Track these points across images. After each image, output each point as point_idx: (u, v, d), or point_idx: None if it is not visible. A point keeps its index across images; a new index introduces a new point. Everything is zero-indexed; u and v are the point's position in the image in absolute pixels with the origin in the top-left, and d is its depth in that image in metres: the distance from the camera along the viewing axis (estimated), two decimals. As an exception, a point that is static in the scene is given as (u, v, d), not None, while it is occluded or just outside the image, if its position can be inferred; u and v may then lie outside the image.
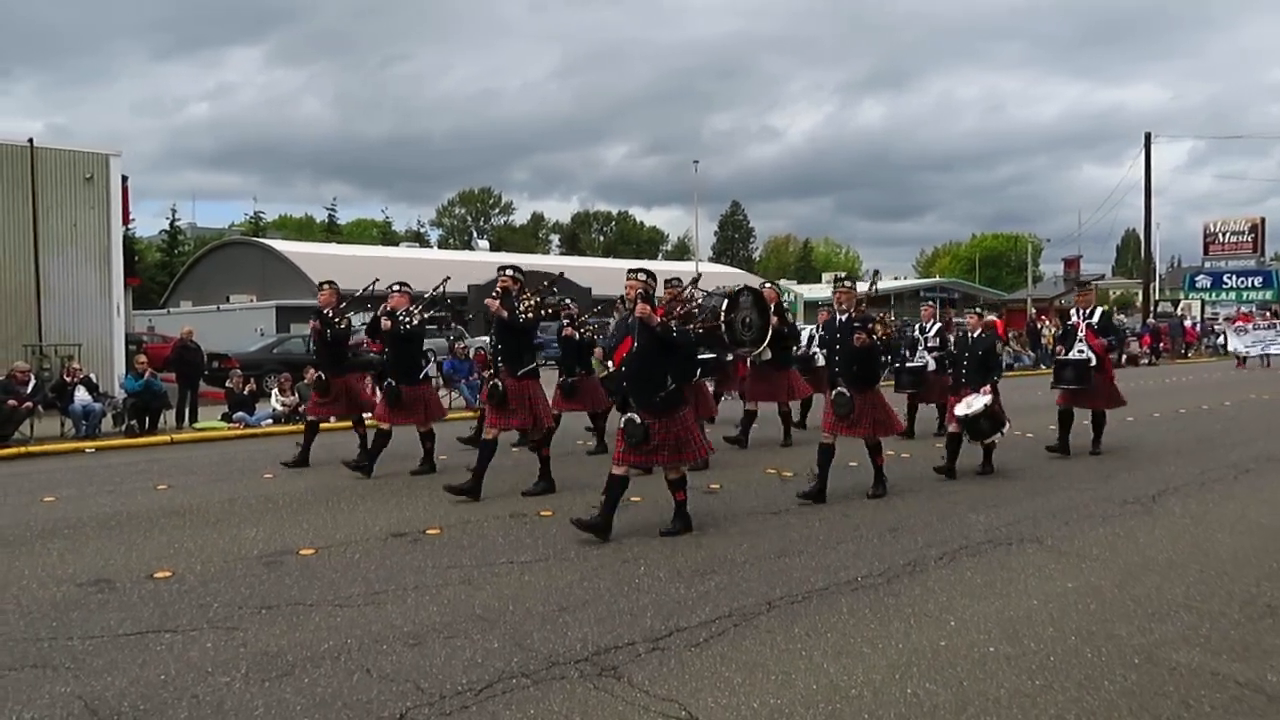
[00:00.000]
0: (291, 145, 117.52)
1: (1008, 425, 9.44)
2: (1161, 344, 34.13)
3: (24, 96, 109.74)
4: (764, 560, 6.30)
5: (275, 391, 15.58)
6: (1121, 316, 41.30)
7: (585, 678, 4.29)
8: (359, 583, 5.79)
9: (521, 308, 8.51)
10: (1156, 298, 49.63)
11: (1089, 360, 10.69)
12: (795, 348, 12.68)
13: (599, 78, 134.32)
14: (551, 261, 54.84)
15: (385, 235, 77.80)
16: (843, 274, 9.21)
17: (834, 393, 8.25)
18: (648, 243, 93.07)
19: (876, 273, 11.84)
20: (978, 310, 9.85)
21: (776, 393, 11.82)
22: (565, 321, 11.24)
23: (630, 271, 7.10)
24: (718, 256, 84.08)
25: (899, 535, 6.99)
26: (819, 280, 71.51)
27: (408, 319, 9.68)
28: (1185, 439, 12.46)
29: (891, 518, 7.59)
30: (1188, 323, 39.79)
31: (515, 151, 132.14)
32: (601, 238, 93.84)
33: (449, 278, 10.43)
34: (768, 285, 12.13)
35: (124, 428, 13.71)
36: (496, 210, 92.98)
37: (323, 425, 11.02)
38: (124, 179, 19.76)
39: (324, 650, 4.63)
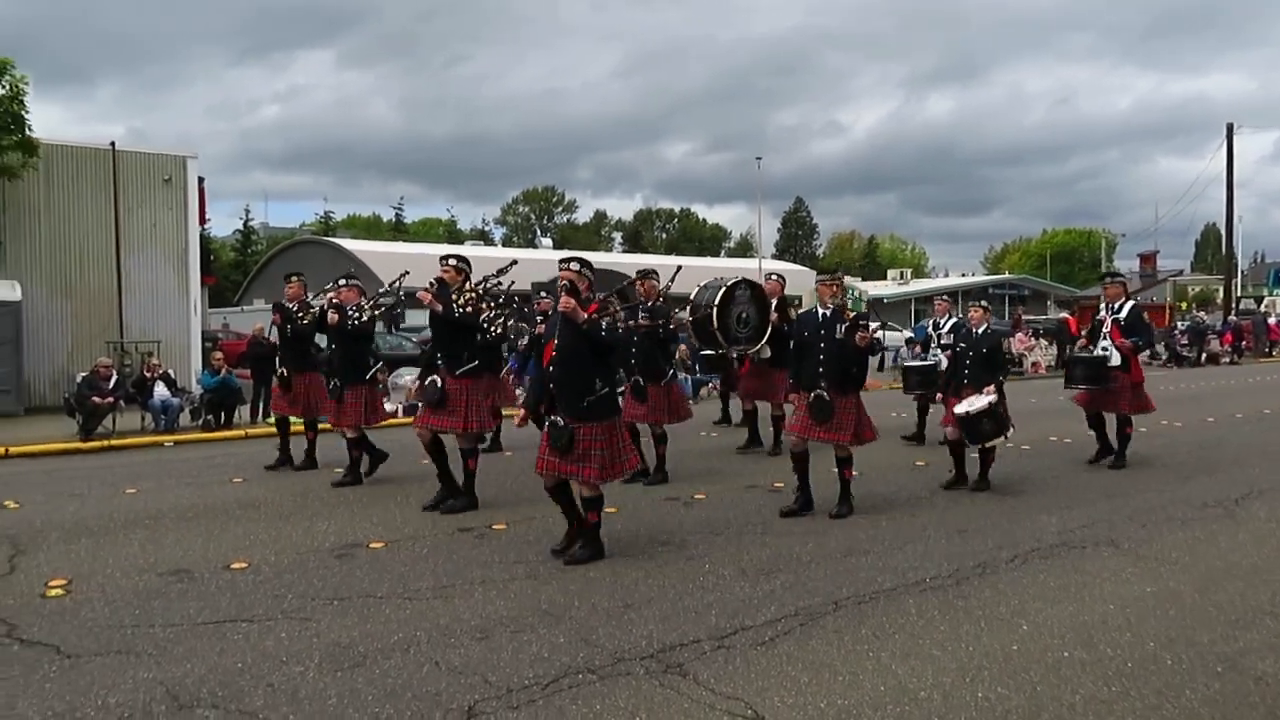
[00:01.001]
0: (359, 146, 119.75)
1: (1012, 430, 8.56)
2: (1244, 342, 32.95)
3: (106, 102, 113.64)
4: (830, 559, 6.24)
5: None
6: (1201, 314, 39.96)
7: (651, 674, 4.30)
8: (427, 576, 5.87)
9: (460, 301, 7.76)
10: (1239, 294, 47.90)
11: (1107, 358, 9.78)
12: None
13: (661, 75, 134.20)
14: (613, 259, 54.96)
15: (451, 234, 78.76)
16: (830, 270, 8.41)
17: (812, 395, 7.43)
18: (710, 240, 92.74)
19: (786, 280, 10.75)
20: (982, 303, 9.01)
21: (774, 393, 10.81)
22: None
23: (561, 261, 6.37)
24: (781, 253, 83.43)
25: (968, 536, 6.86)
26: (884, 277, 70.60)
27: (357, 315, 9.05)
28: (1271, 440, 12.03)
29: (960, 518, 7.46)
30: (1272, 320, 38.30)
31: (578, 150, 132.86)
32: (664, 235, 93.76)
33: (407, 272, 9.65)
34: (773, 277, 11.26)
35: (200, 422, 14.10)
36: (560, 208, 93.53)
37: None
38: (200, 180, 20.35)
39: (394, 642, 4.71)
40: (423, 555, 6.42)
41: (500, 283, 9.19)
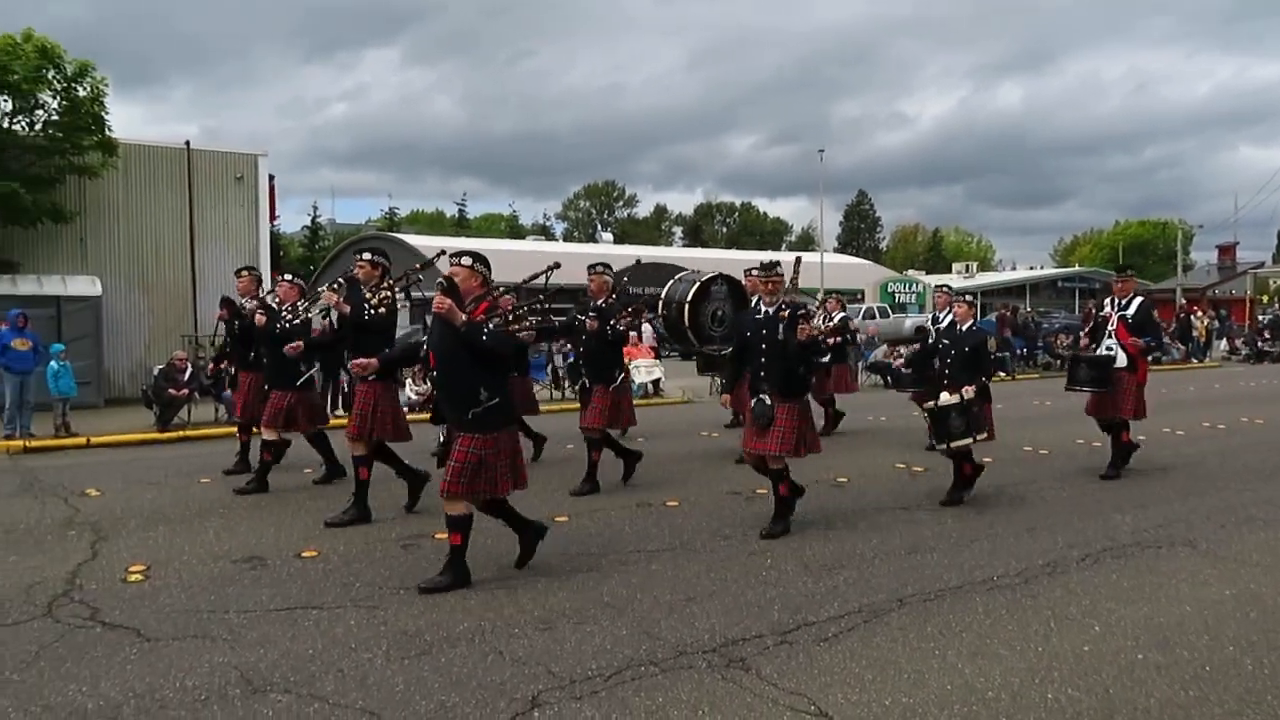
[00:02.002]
0: (423, 142, 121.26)
1: (984, 435, 7.61)
2: (1330, 337, 31.69)
3: (180, 102, 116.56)
4: (894, 556, 6.17)
5: (410, 380, 16.11)
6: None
7: (713, 668, 4.29)
8: (491, 567, 5.94)
9: (374, 300, 7.20)
10: (1323, 286, 46.12)
11: (1113, 357, 8.86)
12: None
13: (724, 68, 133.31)
14: (673, 254, 54.92)
15: (512, 229, 79.48)
16: (766, 261, 7.31)
17: (754, 400, 6.80)
18: (771, 233, 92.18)
19: (798, 259, 9.50)
20: (967, 298, 8.30)
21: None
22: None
23: (452, 255, 5.84)
24: (843, 247, 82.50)
25: (1037, 534, 6.72)
26: (949, 270, 69.43)
27: (291, 316, 8.32)
28: (1357, 439, 11.56)
29: (1029, 516, 7.31)
30: (1358, 312, 36.81)
31: (640, 144, 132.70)
32: (724, 229, 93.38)
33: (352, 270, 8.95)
34: (753, 272, 10.80)
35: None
36: (620, 203, 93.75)
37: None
38: (270, 178, 20.86)
39: (459, 631, 4.78)
40: (486, 546, 6.47)
41: (421, 279, 7.97)
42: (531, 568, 5.92)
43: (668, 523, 7.15)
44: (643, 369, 17.83)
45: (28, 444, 12.24)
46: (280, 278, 8.88)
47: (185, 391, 13.56)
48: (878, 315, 36.61)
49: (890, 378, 12.67)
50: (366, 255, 7.38)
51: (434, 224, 76.49)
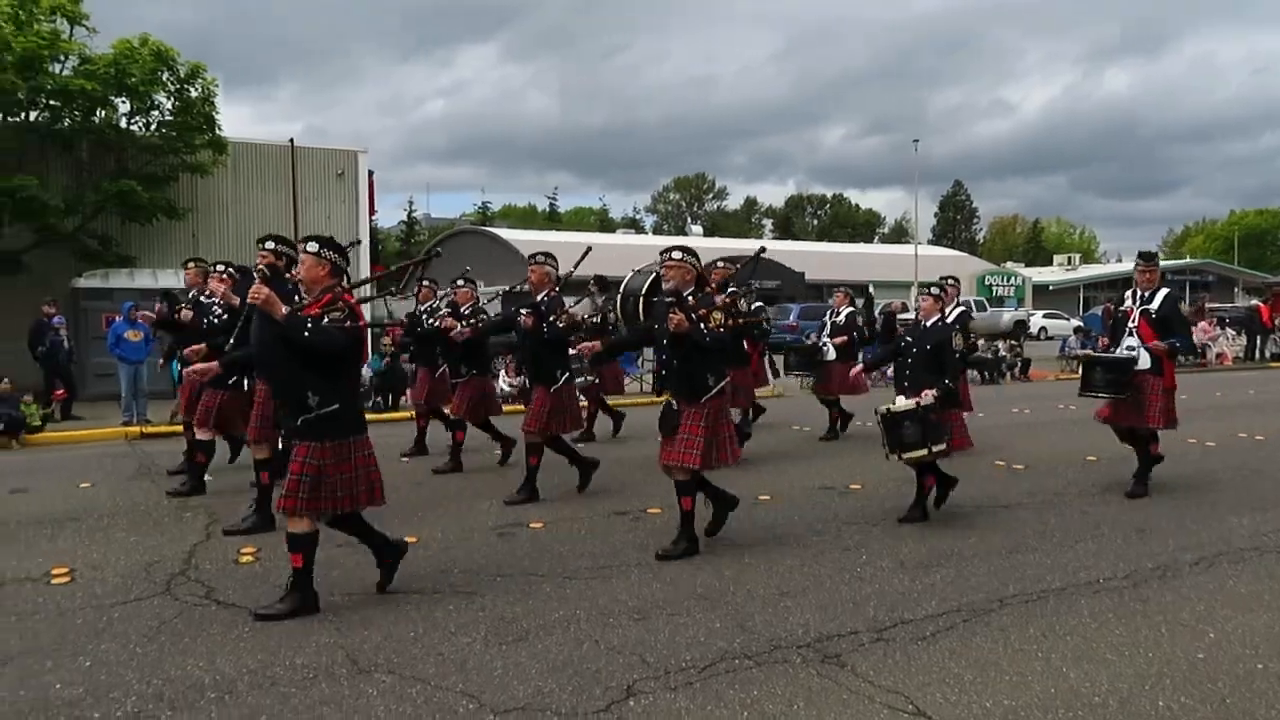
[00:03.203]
0: (517, 137, 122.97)
1: (942, 446, 6.68)
2: None
3: (285, 101, 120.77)
4: (994, 555, 6.02)
5: (503, 373, 16.39)
6: None
7: (808, 663, 4.27)
8: (585, 557, 6.01)
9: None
10: None
11: (1133, 359, 7.69)
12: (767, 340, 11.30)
13: (818, 58, 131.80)
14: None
15: (602, 222, 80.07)
16: (676, 244, 6.63)
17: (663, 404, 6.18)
18: (863, 225, 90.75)
19: (762, 249, 8.57)
20: (931, 290, 7.35)
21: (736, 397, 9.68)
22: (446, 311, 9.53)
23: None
24: (938, 238, 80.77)
25: (1146, 537, 6.48)
26: (1049, 262, 67.27)
27: (223, 310, 7.73)
28: None
29: (1137, 517, 7.04)
30: None
31: (731, 136, 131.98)
32: (815, 221, 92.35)
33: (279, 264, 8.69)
34: (719, 264, 9.46)
35: (369, 404, 14.85)
36: (710, 195, 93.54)
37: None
38: (370, 174, 21.45)
39: (555, 619, 4.85)
40: (580, 536, 6.57)
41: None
42: (624, 558, 5.97)
43: (760, 517, 7.12)
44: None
45: (144, 430, 12.85)
46: (213, 268, 8.09)
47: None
48: (974, 309, 35.69)
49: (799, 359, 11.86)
50: (269, 245, 6.32)
51: (526, 218, 77.55)
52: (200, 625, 4.81)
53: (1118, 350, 7.88)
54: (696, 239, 55.32)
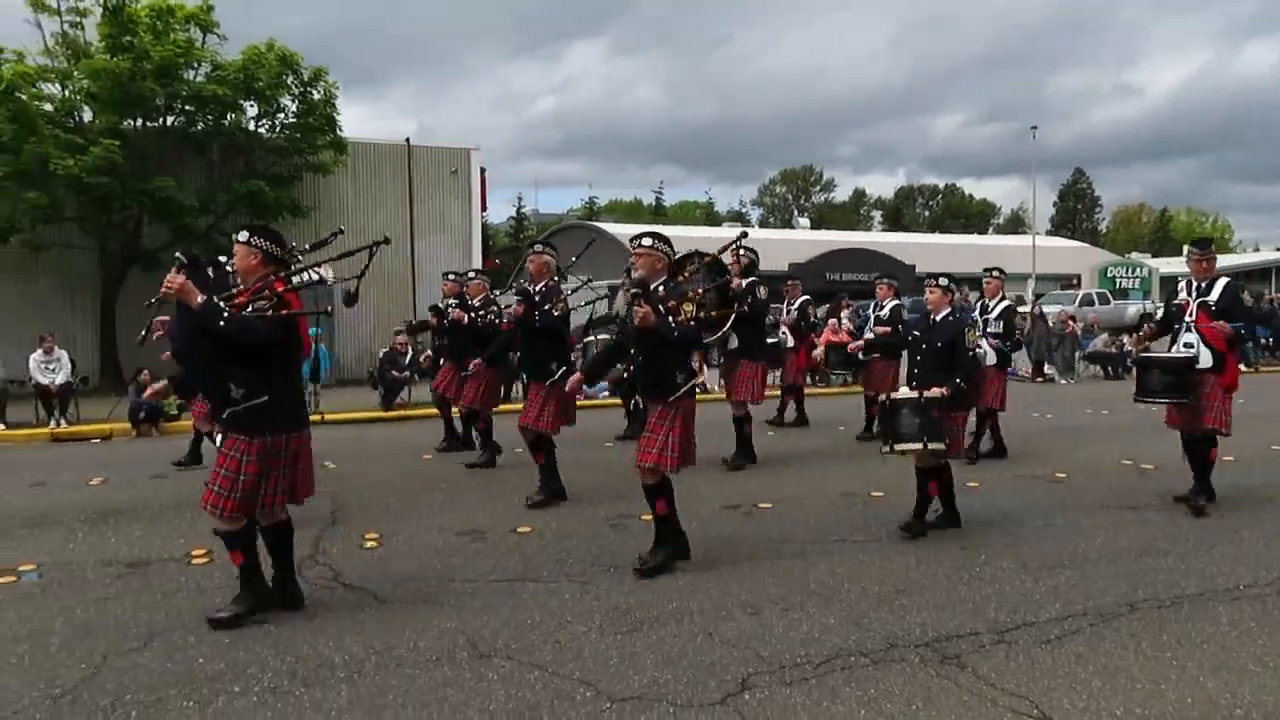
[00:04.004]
0: (625, 132, 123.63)
1: (944, 445, 6.17)
2: None
3: (400, 100, 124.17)
4: (1122, 558, 5.79)
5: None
6: None
7: (926, 663, 4.19)
8: (697, 550, 6.01)
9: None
10: None
11: (1193, 359, 6.93)
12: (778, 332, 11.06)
13: (932, 45, 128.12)
14: (872, 238, 53.46)
15: (708, 215, 79.96)
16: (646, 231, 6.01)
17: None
18: (977, 216, 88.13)
19: (741, 234, 7.76)
20: (941, 282, 6.78)
21: (736, 388, 9.21)
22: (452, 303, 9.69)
23: (236, 233, 5.06)
24: (1056, 229, 77.76)
25: (1290, 542, 6.12)
26: (1178, 253, 64.02)
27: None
28: None
29: None
30: None
31: (839, 127, 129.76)
32: (926, 213, 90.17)
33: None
34: (740, 252, 9.18)
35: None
36: (818, 187, 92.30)
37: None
38: (482, 170, 21.91)
39: (669, 611, 4.89)
40: (691, 530, 6.53)
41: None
42: (735, 552, 5.96)
43: (874, 514, 7.01)
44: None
45: (272, 419, 13.45)
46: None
47: (406, 374, 14.48)
48: (1096, 302, 34.26)
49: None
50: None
51: (632, 212, 77.95)
52: (329, 607, 5.02)
53: (1174, 348, 7.16)
54: (804, 231, 54.69)
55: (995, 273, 9.66)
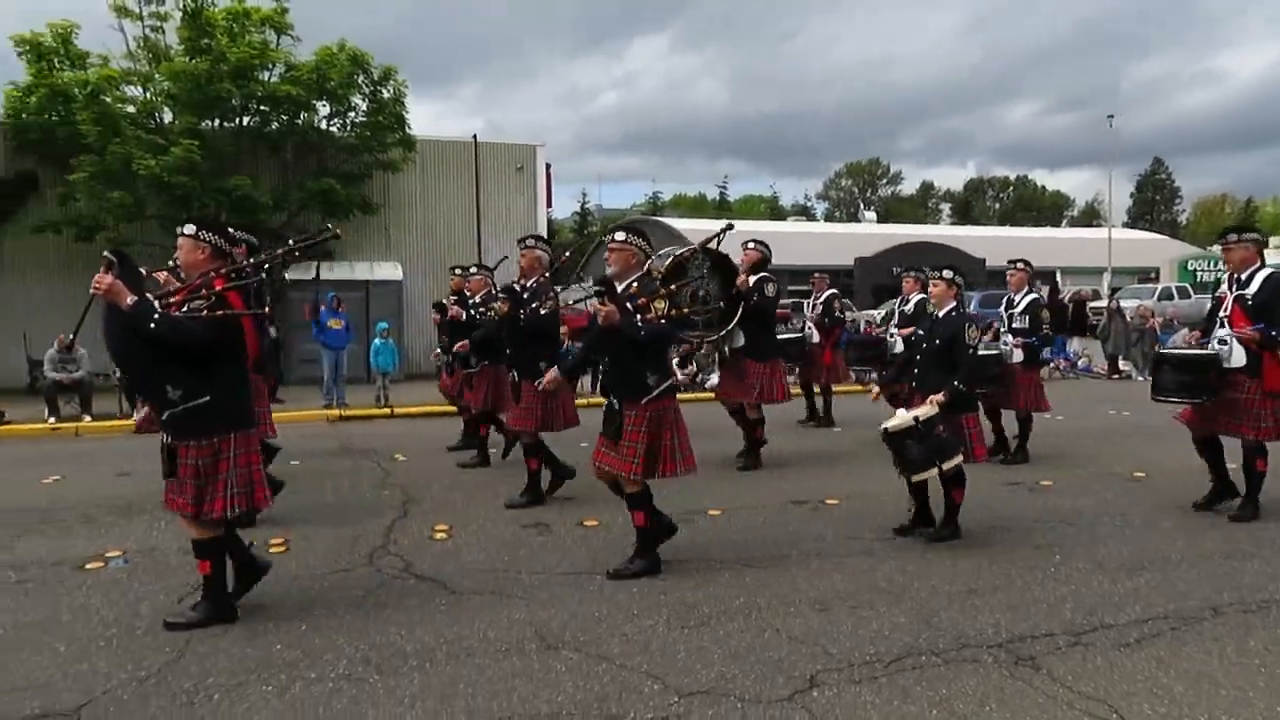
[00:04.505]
0: (688, 127, 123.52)
1: (960, 457, 5.84)
2: None
3: (468, 98, 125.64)
4: (1205, 560, 5.61)
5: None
6: None
7: (999, 664, 4.11)
8: (764, 545, 6.00)
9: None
10: None
11: (1214, 357, 6.45)
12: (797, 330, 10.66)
13: (1005, 32, 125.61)
14: (940, 232, 52.54)
15: (772, 210, 79.46)
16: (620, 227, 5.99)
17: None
18: (1050, 208, 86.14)
19: (726, 226, 7.18)
20: (943, 274, 6.27)
21: (744, 390, 8.79)
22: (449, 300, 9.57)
23: (180, 226, 4.84)
24: (1134, 221, 75.58)
25: (1385, 546, 5.87)
26: (1266, 245, 61.62)
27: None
28: None
29: (1374, 524, 6.39)
30: None
31: (906, 119, 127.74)
32: (997, 205, 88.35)
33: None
34: (750, 245, 8.97)
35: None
36: (884, 180, 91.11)
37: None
38: (548, 167, 22.04)
39: (735, 606, 4.87)
40: (758, 525, 6.56)
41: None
42: (802, 548, 5.92)
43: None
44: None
45: (343, 413, 13.75)
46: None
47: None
48: (1175, 295, 33.19)
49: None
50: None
51: (696, 207, 77.89)
52: (400, 596, 5.11)
53: (1210, 343, 6.60)
54: (870, 225, 53.99)
55: (1020, 264, 9.22)
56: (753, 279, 8.49)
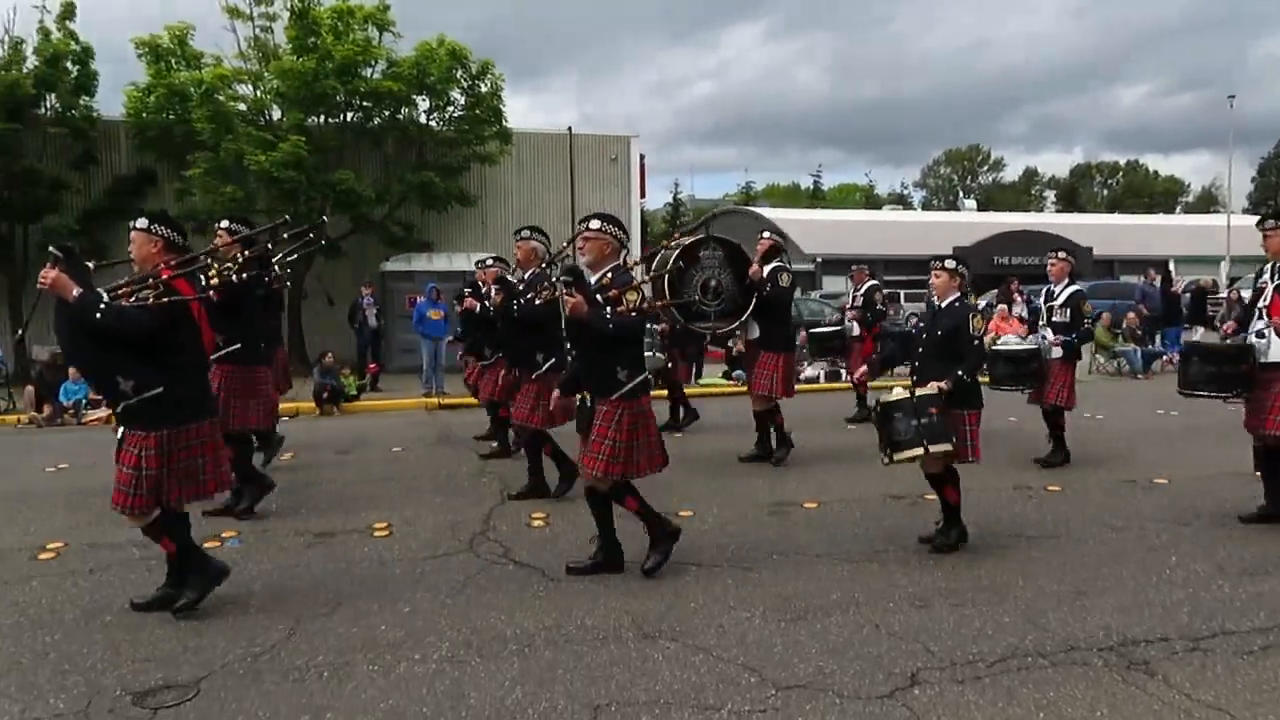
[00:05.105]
0: (782, 116, 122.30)
1: (948, 447, 5.47)
2: None
3: (562, 91, 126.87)
4: (1336, 566, 5.31)
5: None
6: None
7: (1111, 668, 3.97)
8: (860, 540, 5.92)
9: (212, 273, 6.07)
10: None
11: (1248, 347, 6.05)
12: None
13: (1115, 10, 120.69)
14: (1043, 220, 50.84)
15: (868, 199, 78.06)
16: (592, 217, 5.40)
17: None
18: (1162, 194, 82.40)
19: (711, 215, 6.59)
20: (948, 265, 6.01)
21: (756, 382, 8.44)
22: (468, 291, 9.24)
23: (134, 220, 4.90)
24: (1255, 206, 71.75)
25: None
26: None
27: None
28: None
29: None
30: None
31: (1008, 103, 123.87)
32: (1105, 191, 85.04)
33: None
34: (764, 235, 8.68)
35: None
36: (985, 167, 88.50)
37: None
38: (641, 158, 22.09)
39: (832, 600, 4.82)
40: (854, 519, 6.47)
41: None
42: (901, 542, 5.81)
43: (1049, 509, 6.69)
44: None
45: (441, 401, 14.05)
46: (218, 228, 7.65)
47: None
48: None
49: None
50: (224, 224, 6.25)
51: (789, 197, 77.00)
52: (500, 582, 5.20)
53: (1247, 336, 6.14)
54: (969, 214, 52.59)
55: (1060, 254, 8.68)
56: (767, 269, 8.25)
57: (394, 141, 18.88)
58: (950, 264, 6.02)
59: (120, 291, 4.52)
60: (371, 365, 16.00)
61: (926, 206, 78.97)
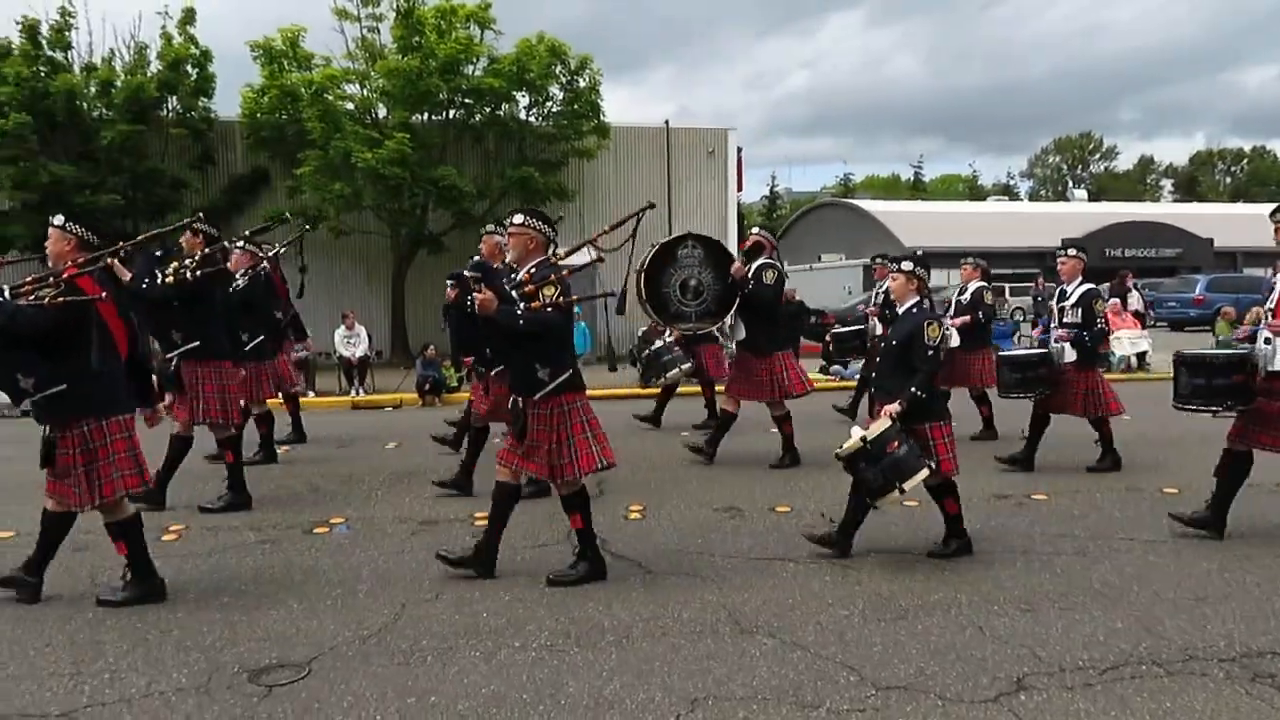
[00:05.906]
0: (882, 105, 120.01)
1: (926, 471, 5.12)
2: None
3: (659, 84, 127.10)
4: None
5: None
6: None
7: (1233, 679, 3.79)
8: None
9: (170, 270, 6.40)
10: None
11: (1244, 356, 5.65)
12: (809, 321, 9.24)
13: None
14: (1160, 210, 48.66)
15: (971, 189, 75.93)
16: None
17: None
18: (1291, 182, 77.99)
19: (650, 204, 5.76)
20: (904, 267, 5.58)
21: (756, 389, 8.11)
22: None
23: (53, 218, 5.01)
24: (1393, 194, 67.30)
25: None
26: None
27: None
28: None
29: None
30: None
31: (1122, 89, 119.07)
32: (1228, 180, 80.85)
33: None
34: (756, 231, 8.30)
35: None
36: (1096, 155, 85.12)
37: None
38: (739, 151, 21.95)
39: (934, 600, 4.72)
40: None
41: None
42: (1007, 543, 5.66)
43: (1166, 512, 6.40)
44: (1125, 340, 16.12)
45: (540, 393, 14.23)
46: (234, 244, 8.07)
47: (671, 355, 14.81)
48: None
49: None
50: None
51: (889, 188, 75.58)
52: (597, 573, 5.25)
53: (1258, 343, 5.62)
54: (1079, 204, 50.74)
55: (1072, 251, 8.13)
56: (751, 267, 7.95)
57: (495, 137, 19.20)
58: (907, 266, 5.63)
59: (22, 290, 4.55)
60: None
61: (1034, 197, 76.38)
